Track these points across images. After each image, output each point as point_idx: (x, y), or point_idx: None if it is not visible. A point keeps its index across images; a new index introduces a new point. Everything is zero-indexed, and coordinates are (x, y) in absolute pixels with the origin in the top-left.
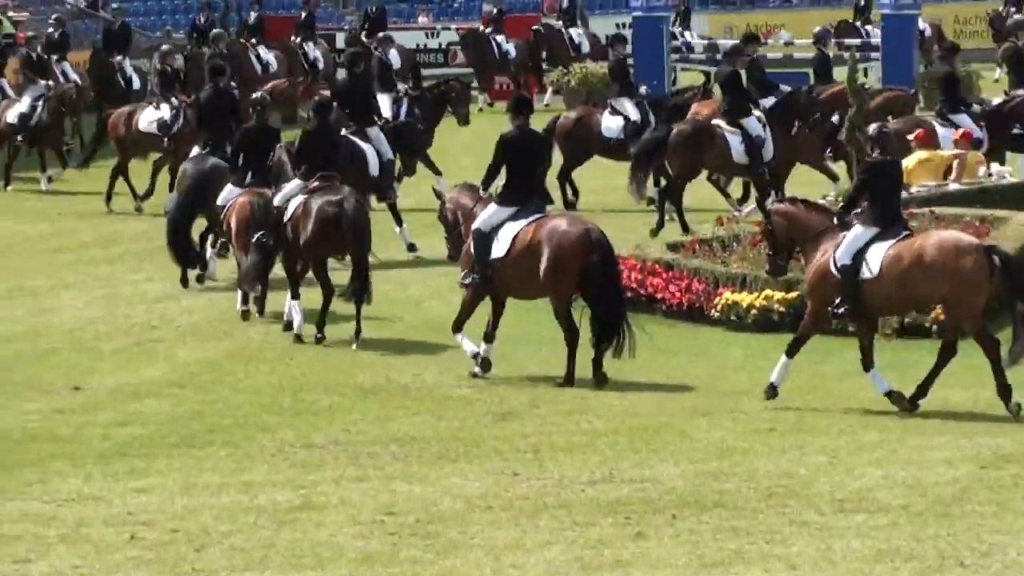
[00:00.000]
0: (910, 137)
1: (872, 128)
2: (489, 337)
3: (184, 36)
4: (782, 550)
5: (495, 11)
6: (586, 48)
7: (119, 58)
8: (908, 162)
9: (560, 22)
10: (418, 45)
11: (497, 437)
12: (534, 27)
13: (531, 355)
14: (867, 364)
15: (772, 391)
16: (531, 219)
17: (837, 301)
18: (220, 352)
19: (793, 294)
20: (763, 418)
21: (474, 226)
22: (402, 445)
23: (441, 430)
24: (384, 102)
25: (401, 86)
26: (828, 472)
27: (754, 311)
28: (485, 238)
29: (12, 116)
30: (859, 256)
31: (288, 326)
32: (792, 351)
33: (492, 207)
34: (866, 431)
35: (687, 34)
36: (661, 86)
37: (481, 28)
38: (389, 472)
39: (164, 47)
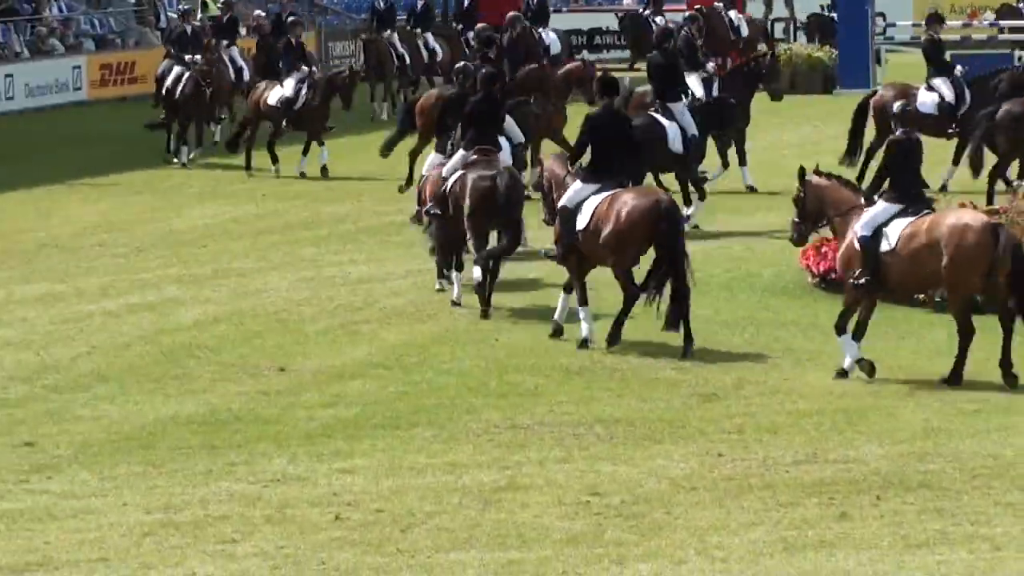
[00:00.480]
0: None
1: (896, 106)
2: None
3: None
4: (986, 531)
5: None
6: (745, 32)
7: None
8: None
9: (722, 4)
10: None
11: (702, 418)
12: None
13: (736, 335)
14: (858, 334)
15: (843, 375)
16: (609, 193)
17: (857, 272)
18: (425, 334)
19: None
20: (969, 399)
21: (560, 203)
22: (607, 426)
23: (646, 411)
24: (693, 81)
25: (710, 65)
26: None
27: None
28: (571, 213)
29: (275, 99)
30: (879, 230)
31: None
32: (842, 328)
33: (577, 184)
34: None
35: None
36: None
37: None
38: (594, 453)
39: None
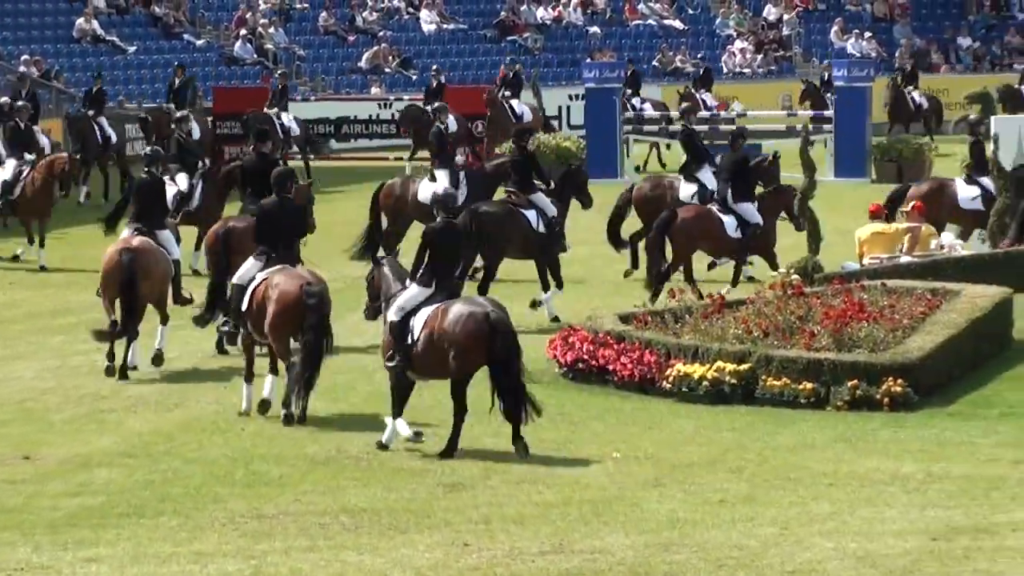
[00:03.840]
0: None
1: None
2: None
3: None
4: None
5: (435, 83)
6: (528, 118)
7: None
8: (862, 233)
9: (507, 93)
10: (370, 116)
11: (448, 508)
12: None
13: (483, 425)
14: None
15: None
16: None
17: (388, 355)
18: (172, 423)
19: (745, 366)
20: (714, 490)
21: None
22: (352, 516)
23: (391, 501)
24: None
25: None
26: (778, 544)
27: (705, 383)
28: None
29: None
30: (408, 316)
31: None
32: (395, 412)
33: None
34: (817, 503)
35: (637, 102)
36: (614, 157)
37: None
38: (339, 543)
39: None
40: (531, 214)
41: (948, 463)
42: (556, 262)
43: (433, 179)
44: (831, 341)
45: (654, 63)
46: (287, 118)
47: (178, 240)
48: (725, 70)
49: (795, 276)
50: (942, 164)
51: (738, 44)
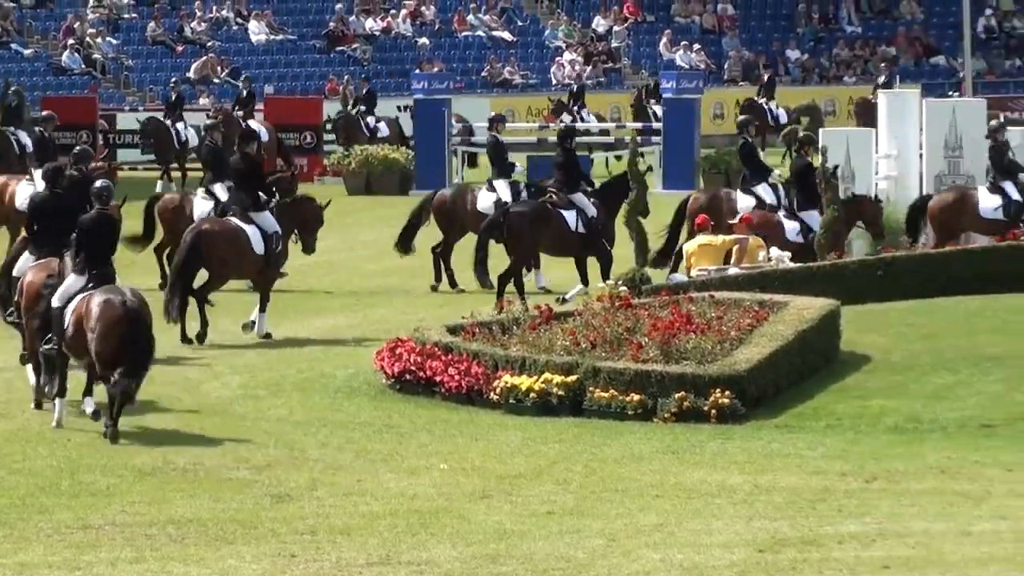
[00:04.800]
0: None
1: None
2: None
3: None
4: None
5: (245, 93)
6: (385, 133)
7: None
8: (689, 246)
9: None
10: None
11: (275, 519)
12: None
13: (310, 436)
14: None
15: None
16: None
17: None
18: None
19: (573, 377)
20: (541, 501)
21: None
22: (179, 527)
23: (218, 512)
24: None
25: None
26: (606, 555)
27: (533, 394)
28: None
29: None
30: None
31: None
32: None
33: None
34: (644, 514)
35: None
36: (443, 168)
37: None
38: (165, 553)
39: None
40: (570, 214)
41: (775, 475)
42: (608, 257)
43: (492, 189)
44: (659, 353)
45: (483, 74)
46: (182, 127)
47: None
48: (554, 81)
49: (623, 288)
50: None
51: (567, 56)
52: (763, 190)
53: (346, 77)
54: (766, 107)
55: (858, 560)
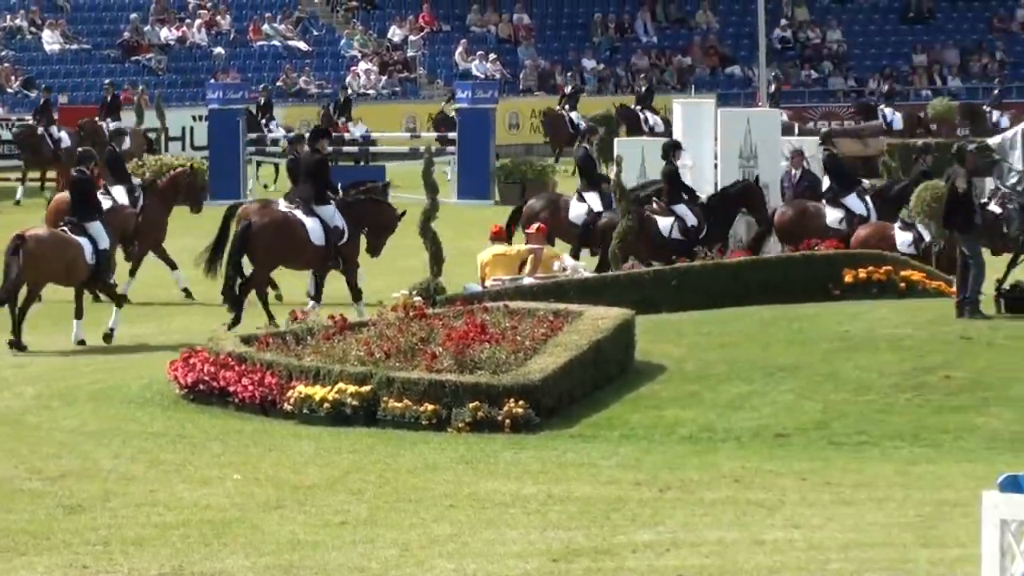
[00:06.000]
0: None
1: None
2: None
3: None
4: None
5: (43, 101)
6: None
7: None
8: (484, 256)
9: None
10: None
11: (67, 530)
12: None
13: (103, 447)
14: None
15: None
16: None
17: None
18: None
19: (367, 387)
20: (334, 511)
21: None
22: None
23: (9, 523)
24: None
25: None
26: (399, 565)
27: (327, 404)
28: None
29: None
30: None
31: None
32: None
33: None
34: (438, 524)
35: (272, 125)
36: (236, 179)
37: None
38: None
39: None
40: (666, 222)
41: (569, 484)
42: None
43: (581, 199)
44: (453, 363)
45: (279, 84)
46: (55, 131)
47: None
48: (350, 91)
49: (417, 298)
50: (567, 184)
51: (363, 65)
52: (853, 201)
53: (140, 87)
54: (567, 117)
55: (652, 569)
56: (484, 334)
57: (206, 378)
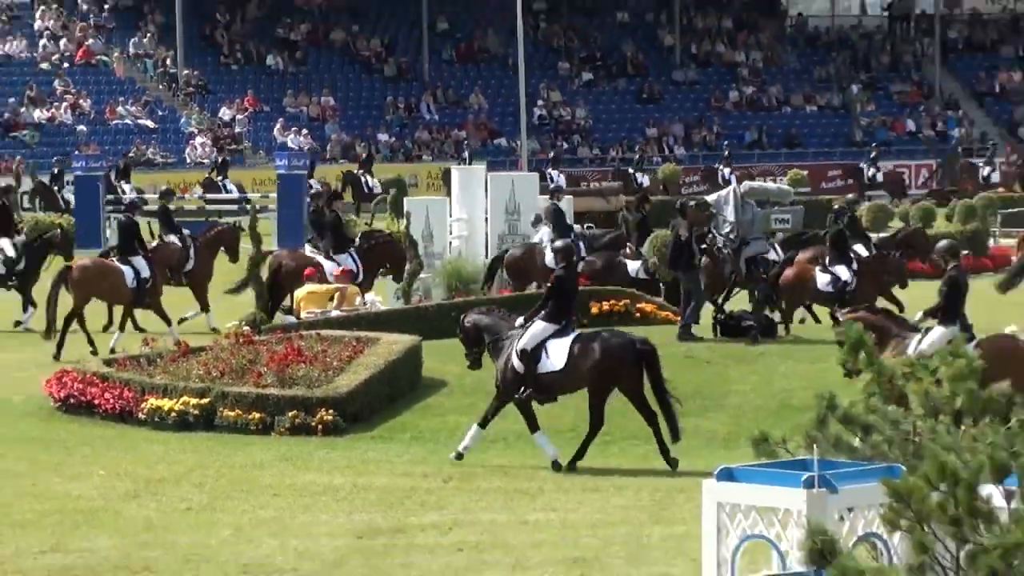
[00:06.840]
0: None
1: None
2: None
3: None
4: None
5: None
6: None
7: None
8: (299, 293)
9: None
10: None
11: None
12: None
13: None
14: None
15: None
16: None
17: None
18: None
19: (206, 400)
20: (181, 500)
21: None
22: None
23: None
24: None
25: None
26: (234, 543)
27: (174, 414)
28: None
29: None
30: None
31: None
32: None
33: None
34: (265, 510)
35: (126, 187)
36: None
37: None
38: None
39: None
40: (634, 265)
41: (371, 477)
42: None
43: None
44: (276, 379)
45: (131, 155)
46: None
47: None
48: (188, 161)
49: (246, 327)
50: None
51: (199, 139)
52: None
53: (18, 158)
54: (363, 179)
55: (438, 544)
56: (300, 356)
57: (76, 393)
